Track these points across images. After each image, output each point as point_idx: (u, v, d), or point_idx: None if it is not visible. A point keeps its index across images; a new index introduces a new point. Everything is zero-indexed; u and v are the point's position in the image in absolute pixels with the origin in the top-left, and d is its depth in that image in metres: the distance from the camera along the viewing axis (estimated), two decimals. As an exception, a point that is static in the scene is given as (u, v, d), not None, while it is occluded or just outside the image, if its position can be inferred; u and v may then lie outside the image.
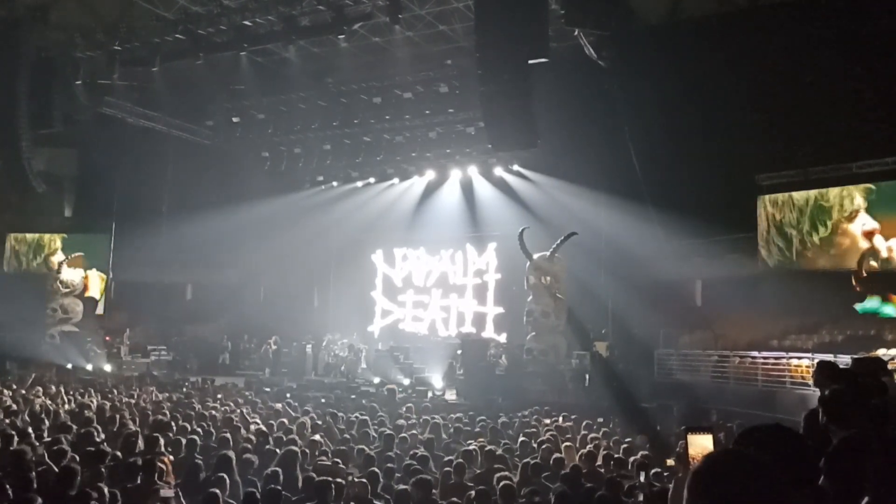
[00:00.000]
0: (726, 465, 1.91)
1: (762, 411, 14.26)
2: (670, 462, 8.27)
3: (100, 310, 26.92)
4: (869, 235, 19.38)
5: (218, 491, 6.30)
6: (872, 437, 3.62)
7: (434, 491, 7.06)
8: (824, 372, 5.87)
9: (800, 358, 16.87)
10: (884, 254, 19.08)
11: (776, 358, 17.61)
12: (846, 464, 2.70)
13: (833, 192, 19.99)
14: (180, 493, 6.85)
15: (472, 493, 6.83)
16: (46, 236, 27.56)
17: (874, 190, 19.40)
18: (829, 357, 12.43)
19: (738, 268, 20.91)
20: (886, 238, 19.08)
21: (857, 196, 19.61)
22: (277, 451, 8.42)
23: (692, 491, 1.88)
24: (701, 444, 3.12)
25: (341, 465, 8.04)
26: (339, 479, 7.02)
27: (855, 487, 2.54)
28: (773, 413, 13.40)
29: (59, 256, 26.45)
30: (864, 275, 19.25)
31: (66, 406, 13.26)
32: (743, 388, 17.30)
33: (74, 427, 10.02)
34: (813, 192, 20.33)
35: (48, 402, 13.43)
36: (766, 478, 1.86)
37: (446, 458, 8.69)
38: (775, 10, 19.26)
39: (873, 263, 19.23)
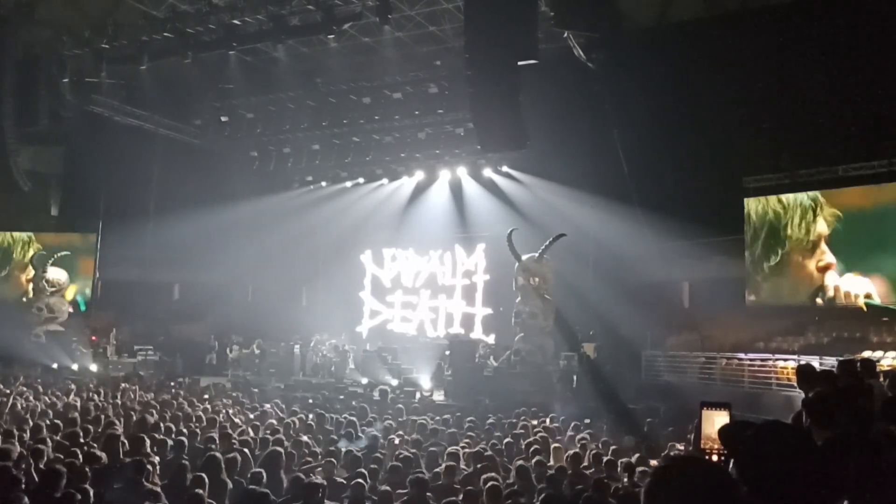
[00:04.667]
0: (681, 476, 1.88)
1: (748, 413, 14.30)
2: (654, 463, 8.33)
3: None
4: (823, 270, 19.12)
5: (202, 492, 6.27)
6: (855, 439, 3.64)
7: (428, 494, 7.06)
8: (803, 375, 5.93)
9: (785, 360, 16.96)
10: (830, 293, 18.87)
11: (762, 360, 17.70)
12: (829, 465, 2.72)
13: (795, 219, 19.65)
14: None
15: (461, 494, 6.84)
16: (19, 246, 26.94)
17: (842, 218, 18.97)
18: (814, 359, 12.52)
19: (724, 270, 21.01)
20: (840, 274, 18.83)
21: (821, 222, 19.23)
22: (263, 451, 8.39)
23: (647, 496, 1.86)
24: (716, 421, 3.04)
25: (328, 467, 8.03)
26: (327, 480, 7.01)
27: (838, 488, 2.56)
28: (759, 414, 13.46)
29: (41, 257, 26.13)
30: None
31: (52, 406, 13.15)
32: (729, 390, 17.35)
33: (60, 427, 9.96)
34: (770, 215, 20.05)
35: (33, 401, 13.34)
36: (720, 488, 1.83)
37: (434, 460, 8.69)
38: (763, 14, 19.37)
39: (819, 301, 19.15)
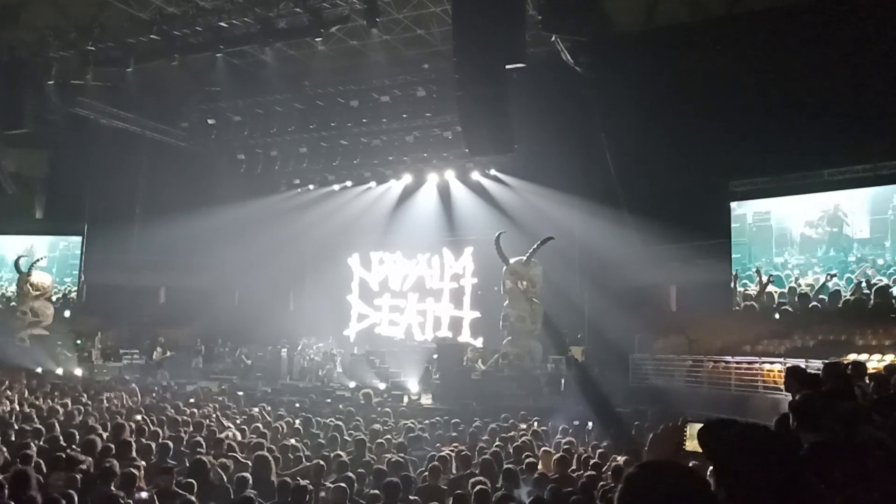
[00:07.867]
0: (653, 479, 1.88)
1: (735, 416, 14.34)
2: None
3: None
4: None
5: (192, 497, 6.23)
6: (842, 442, 3.66)
7: (412, 497, 7.03)
8: (794, 377, 5.94)
9: (772, 363, 17.03)
10: None
11: (749, 363, 17.76)
12: (816, 468, 2.72)
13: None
14: (155, 498, 6.78)
15: (449, 498, 6.83)
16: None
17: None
18: (800, 362, 12.57)
19: (711, 273, 21.09)
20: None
21: None
22: (250, 455, 8.34)
23: (619, 502, 1.86)
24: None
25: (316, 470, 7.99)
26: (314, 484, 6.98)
27: (825, 491, 2.56)
28: (745, 417, 13.51)
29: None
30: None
31: (36, 411, 13.03)
32: (716, 393, 17.43)
33: (44, 432, 9.87)
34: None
35: (17, 406, 13.21)
36: (693, 493, 1.83)
37: (422, 463, 8.67)
38: (749, 19, 19.46)
39: None
